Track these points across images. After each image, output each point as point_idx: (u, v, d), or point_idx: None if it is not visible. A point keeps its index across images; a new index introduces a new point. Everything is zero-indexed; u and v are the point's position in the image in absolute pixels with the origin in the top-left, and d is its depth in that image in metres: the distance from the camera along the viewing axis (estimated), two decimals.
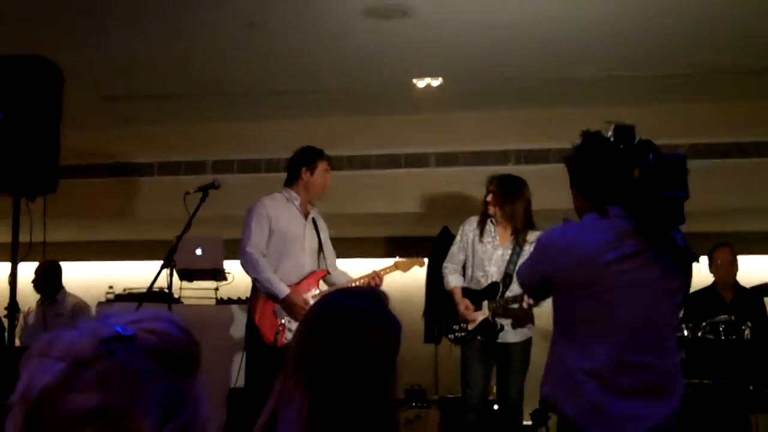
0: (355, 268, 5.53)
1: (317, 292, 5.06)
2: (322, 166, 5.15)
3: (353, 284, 5.00)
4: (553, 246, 2.97)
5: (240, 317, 5.97)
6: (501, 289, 5.36)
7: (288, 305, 5.01)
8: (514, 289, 5.33)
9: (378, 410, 1.63)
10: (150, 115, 7.36)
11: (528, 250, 5.27)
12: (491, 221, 5.36)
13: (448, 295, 5.48)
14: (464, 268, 5.51)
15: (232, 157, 7.58)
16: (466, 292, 5.50)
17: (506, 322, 5.35)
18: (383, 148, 7.41)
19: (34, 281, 6.59)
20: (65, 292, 6.86)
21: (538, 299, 4.73)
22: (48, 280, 6.70)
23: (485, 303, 5.40)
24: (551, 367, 2.99)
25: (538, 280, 3.09)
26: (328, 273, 5.25)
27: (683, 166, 2.94)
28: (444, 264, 5.56)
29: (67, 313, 6.60)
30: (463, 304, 5.40)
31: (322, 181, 5.14)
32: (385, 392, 1.65)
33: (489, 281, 5.39)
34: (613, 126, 2.99)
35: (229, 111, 7.23)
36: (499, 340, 5.36)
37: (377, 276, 5.15)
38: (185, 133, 7.64)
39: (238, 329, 5.86)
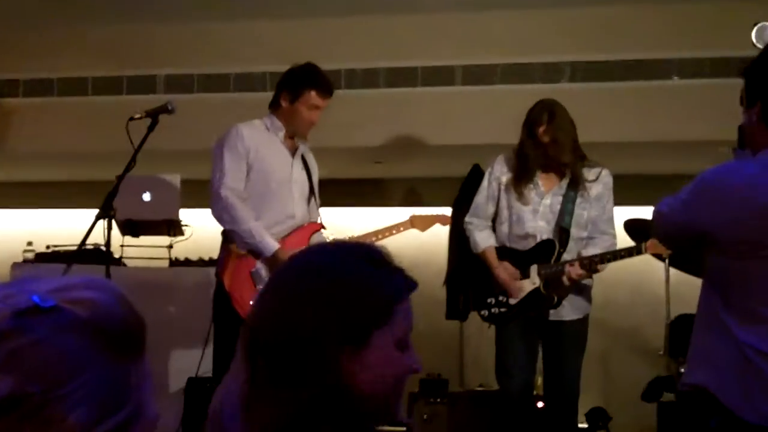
0: (354, 223, 5.56)
1: None
2: (309, 97, 5.24)
3: None
4: (724, 187, 2.97)
5: (201, 283, 6.06)
6: (557, 249, 5.37)
7: (276, 263, 5.11)
8: (572, 248, 5.37)
9: (329, 396, 1.75)
10: (79, 14, 7.38)
11: (595, 193, 5.41)
12: (535, 160, 5.42)
13: (478, 257, 5.52)
14: (494, 222, 5.58)
15: (191, 71, 7.55)
16: (505, 252, 5.51)
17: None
18: (394, 59, 7.37)
19: None
20: None
21: (678, 250, 4.96)
22: None
23: (534, 268, 5.41)
24: (708, 345, 3.01)
25: (694, 228, 3.10)
26: (323, 227, 5.40)
27: None
28: (467, 219, 5.60)
29: None
30: (503, 270, 5.43)
31: (307, 117, 5.25)
32: (341, 375, 1.77)
33: (539, 239, 5.42)
34: (757, 26, 2.93)
35: (186, 8, 7.24)
36: (551, 317, 5.39)
37: (383, 236, 5.35)
38: (127, 37, 7.60)
39: (200, 298, 5.93)
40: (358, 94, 7.30)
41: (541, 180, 5.43)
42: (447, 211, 6.23)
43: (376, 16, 7.27)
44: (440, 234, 6.91)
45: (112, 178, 4.91)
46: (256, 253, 5.11)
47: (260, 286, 4.99)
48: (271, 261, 5.08)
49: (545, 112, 5.35)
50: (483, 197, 5.58)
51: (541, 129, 5.30)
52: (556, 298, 5.33)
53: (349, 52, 7.29)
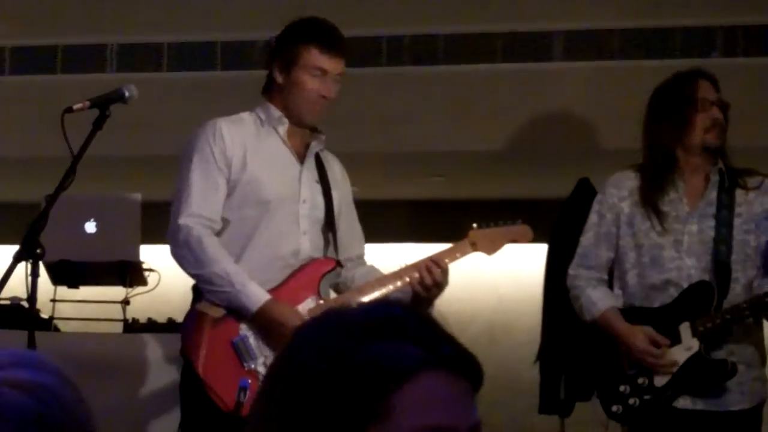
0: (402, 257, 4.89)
1: (313, 302, 4.56)
2: (308, 56, 4.56)
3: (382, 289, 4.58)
4: None
5: (171, 356, 5.43)
6: (717, 294, 4.58)
7: (269, 325, 4.39)
8: (739, 292, 4.60)
9: None
10: None
11: (761, 208, 4.60)
12: (693, 147, 4.61)
13: (593, 326, 4.83)
14: (612, 273, 4.81)
15: (156, 38, 6.86)
16: (635, 315, 4.66)
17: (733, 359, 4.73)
18: (459, 20, 6.59)
19: None
20: None
21: None
22: None
23: (685, 327, 4.56)
24: None
25: None
26: (339, 265, 4.77)
27: None
28: (571, 271, 4.89)
29: None
30: (640, 335, 4.54)
31: (312, 88, 4.58)
32: None
33: (685, 285, 4.59)
34: None
35: None
36: (713, 407, 4.53)
37: (432, 265, 4.48)
38: None
39: (168, 379, 5.37)
40: (405, 72, 6.52)
41: (686, 195, 4.63)
42: (541, 249, 5.78)
43: None
44: (530, 283, 6.25)
45: (38, 199, 4.54)
46: (235, 310, 4.46)
47: (250, 365, 4.44)
48: (260, 321, 4.42)
49: (701, 73, 4.64)
50: (592, 238, 4.82)
51: (706, 85, 4.59)
52: (730, 363, 4.53)
53: (389, 13, 6.52)
